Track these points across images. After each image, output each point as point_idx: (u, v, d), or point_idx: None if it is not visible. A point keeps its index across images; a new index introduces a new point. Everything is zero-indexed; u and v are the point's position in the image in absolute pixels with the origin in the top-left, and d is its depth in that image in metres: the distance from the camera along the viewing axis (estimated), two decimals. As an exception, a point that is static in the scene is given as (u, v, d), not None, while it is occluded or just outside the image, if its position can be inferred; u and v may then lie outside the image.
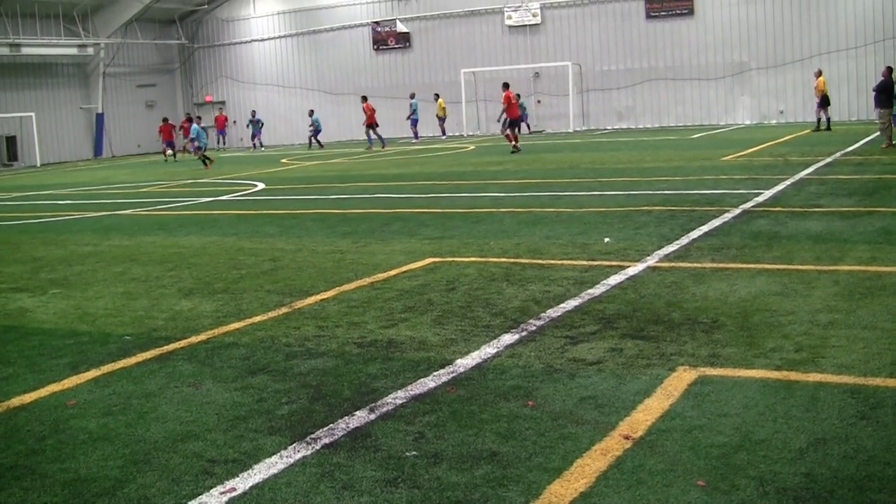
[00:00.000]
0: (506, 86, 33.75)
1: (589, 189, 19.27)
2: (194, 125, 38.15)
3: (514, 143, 32.72)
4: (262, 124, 52.47)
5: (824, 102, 35.37)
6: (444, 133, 48.19)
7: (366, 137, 43.28)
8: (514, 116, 33.22)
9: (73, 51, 55.99)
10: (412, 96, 47.24)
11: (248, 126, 53.44)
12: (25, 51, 52.67)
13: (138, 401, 7.06)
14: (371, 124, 42.00)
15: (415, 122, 46.69)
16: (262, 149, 51.30)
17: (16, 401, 7.32)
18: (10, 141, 52.91)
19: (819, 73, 36.13)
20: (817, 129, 35.45)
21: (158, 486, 5.38)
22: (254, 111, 53.97)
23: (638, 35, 47.42)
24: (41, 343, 9.19)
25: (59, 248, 15.93)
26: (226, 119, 56.89)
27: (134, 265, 13.49)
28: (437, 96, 47.98)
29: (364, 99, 43.84)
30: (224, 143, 56.82)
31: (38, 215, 22.44)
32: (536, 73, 49.68)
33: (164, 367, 7.94)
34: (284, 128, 57.54)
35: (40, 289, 12.15)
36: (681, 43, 46.58)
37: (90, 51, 56.79)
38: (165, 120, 48.58)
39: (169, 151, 46.43)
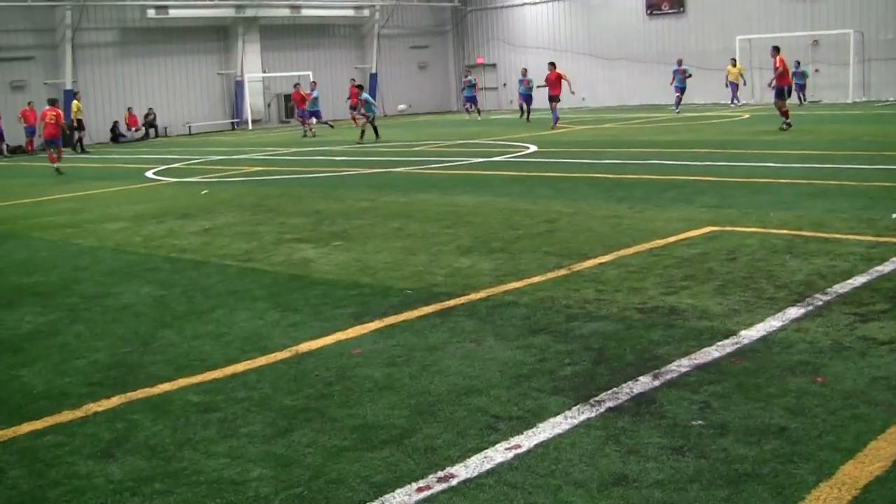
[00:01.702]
0: (776, 49, 30.09)
1: (872, 162, 18.49)
2: (368, 94, 36.50)
3: (786, 117, 29.01)
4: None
5: None
6: (735, 100, 46.33)
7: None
8: (787, 84, 30.18)
9: (350, 12, 57.55)
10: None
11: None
12: (305, 12, 54.46)
13: (421, 353, 7.21)
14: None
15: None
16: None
17: (304, 346, 7.62)
18: (286, 100, 54.77)
19: None
20: None
21: (444, 437, 5.49)
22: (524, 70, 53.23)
23: (930, 0, 45.19)
24: (325, 293, 9.53)
25: (338, 203, 16.43)
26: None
27: (410, 221, 13.78)
28: (734, 61, 46.17)
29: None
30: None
31: (316, 170, 23.20)
32: (815, 40, 47.95)
33: (445, 322, 8.09)
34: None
35: (322, 241, 12.58)
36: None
37: (366, 13, 58.27)
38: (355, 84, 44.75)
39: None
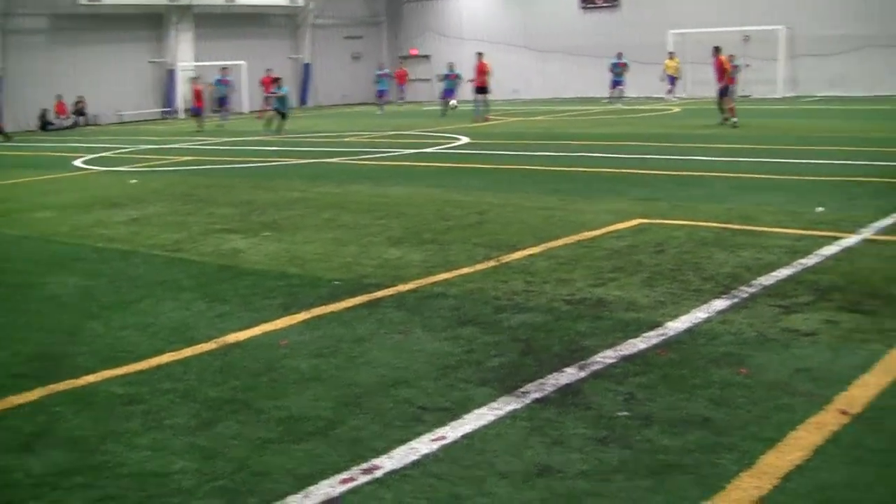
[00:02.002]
0: (717, 49, 29.67)
1: (800, 157, 18.73)
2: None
3: (731, 115, 27.98)
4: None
5: None
6: (670, 94, 46.24)
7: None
8: (732, 83, 28.80)
9: (285, 2, 57.19)
10: (451, 66, 43.99)
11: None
12: (239, 1, 54.07)
13: (348, 345, 7.20)
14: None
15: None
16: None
17: (231, 337, 7.56)
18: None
19: None
20: None
21: (370, 428, 5.48)
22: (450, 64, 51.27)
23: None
24: (254, 283, 9.47)
25: (269, 193, 16.34)
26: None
27: (342, 212, 13.74)
28: (671, 55, 46.11)
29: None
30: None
31: (248, 160, 23.07)
32: (747, 36, 48.34)
33: (373, 313, 8.07)
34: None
35: (252, 231, 12.51)
36: (902, 8, 44.75)
37: (300, 2, 57.88)
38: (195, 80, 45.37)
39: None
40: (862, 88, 45.40)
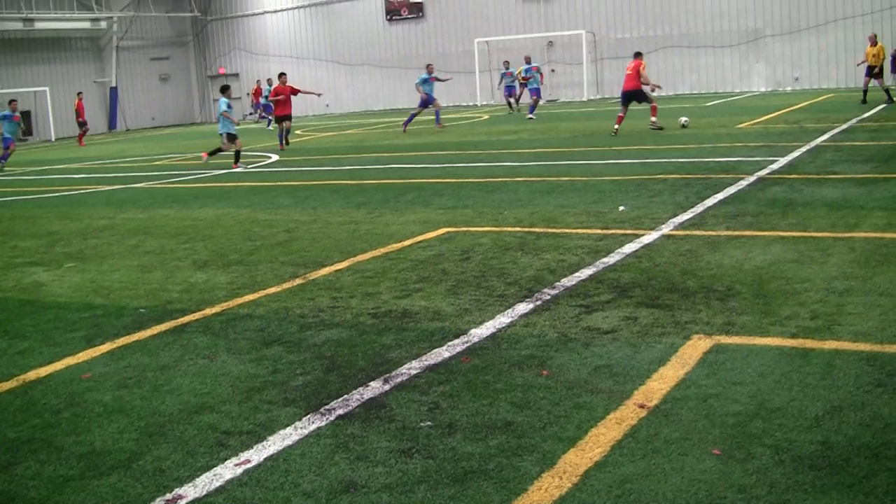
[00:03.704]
0: (638, 55, 27.89)
1: (603, 157, 19.19)
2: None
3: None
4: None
5: (878, 71, 30.22)
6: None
7: None
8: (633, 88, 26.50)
9: (87, 24, 56.09)
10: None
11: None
12: (39, 25, 52.79)
13: (153, 373, 7.06)
14: None
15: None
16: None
17: (32, 374, 7.34)
18: (25, 116, 52.93)
19: (874, 40, 30.44)
20: (864, 101, 30.22)
21: (173, 458, 5.39)
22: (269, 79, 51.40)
23: (652, 2, 47.12)
24: (56, 317, 9.21)
25: (74, 222, 15.95)
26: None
27: (148, 238, 13.50)
28: (528, 59, 45.63)
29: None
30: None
31: (53, 189, 22.47)
32: (550, 41, 49.40)
33: (178, 340, 7.95)
34: (298, 99, 57.01)
35: (55, 263, 12.18)
36: (695, 10, 46.31)
37: (103, 24, 56.87)
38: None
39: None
40: (664, 86, 46.72)
